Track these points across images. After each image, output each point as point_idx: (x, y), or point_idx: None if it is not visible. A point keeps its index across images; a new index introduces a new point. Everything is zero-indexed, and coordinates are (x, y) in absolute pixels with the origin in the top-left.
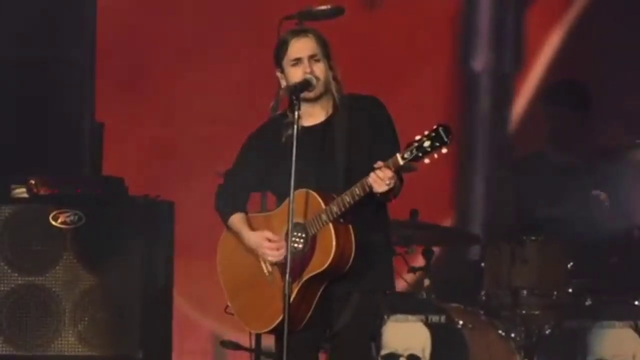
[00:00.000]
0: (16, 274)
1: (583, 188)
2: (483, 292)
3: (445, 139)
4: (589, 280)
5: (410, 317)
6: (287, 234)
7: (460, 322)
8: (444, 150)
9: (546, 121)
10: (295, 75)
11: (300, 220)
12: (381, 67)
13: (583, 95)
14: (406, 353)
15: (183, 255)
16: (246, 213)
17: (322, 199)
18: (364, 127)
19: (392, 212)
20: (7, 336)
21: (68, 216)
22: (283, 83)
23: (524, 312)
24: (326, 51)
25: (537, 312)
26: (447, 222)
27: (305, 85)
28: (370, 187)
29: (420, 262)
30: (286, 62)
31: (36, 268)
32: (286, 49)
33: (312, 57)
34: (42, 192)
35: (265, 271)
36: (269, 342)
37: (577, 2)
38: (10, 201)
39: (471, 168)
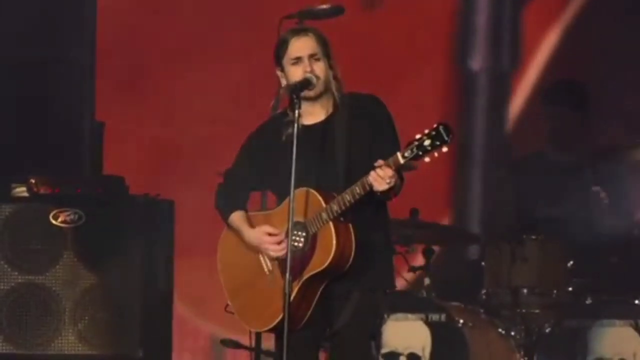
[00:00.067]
0: (16, 273)
1: (583, 188)
2: (483, 291)
3: (446, 138)
4: (589, 279)
5: (410, 315)
6: (287, 232)
7: (461, 321)
8: (445, 149)
9: (546, 121)
10: (296, 74)
11: (300, 219)
12: (380, 66)
13: (582, 95)
14: (406, 352)
15: (183, 254)
16: (246, 211)
17: (323, 197)
18: (364, 126)
19: (391, 212)
20: (7, 335)
21: (68, 215)
22: (283, 82)
23: (524, 310)
24: (326, 50)
25: (537, 311)
26: (445, 221)
27: (306, 84)
28: (371, 186)
29: (420, 261)
30: (286, 61)
31: (36, 267)
32: (286, 48)
33: (312, 56)
34: (42, 191)
35: (266, 270)
36: (269, 341)
37: (575, 0)
38: (11, 200)
39: (469, 167)
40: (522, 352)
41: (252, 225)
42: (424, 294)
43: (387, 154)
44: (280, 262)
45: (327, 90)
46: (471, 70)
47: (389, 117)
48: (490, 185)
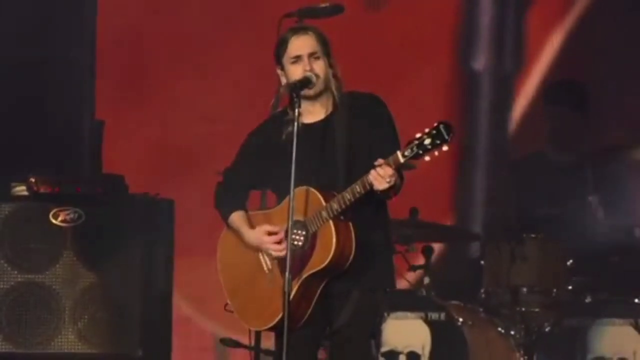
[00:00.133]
0: (16, 272)
1: (583, 188)
2: (483, 290)
3: (446, 137)
4: (589, 278)
5: (410, 314)
6: (287, 231)
7: (460, 320)
8: (445, 148)
9: (546, 121)
10: (295, 72)
11: (300, 217)
12: (381, 66)
13: (583, 95)
14: (406, 350)
15: (183, 253)
16: (246, 211)
17: (323, 196)
18: (364, 124)
19: (391, 211)
20: (7, 334)
21: (68, 214)
22: (283, 81)
23: (523, 309)
24: (326, 49)
25: (536, 310)
26: (447, 221)
27: (305, 82)
28: (371, 185)
29: (420, 260)
30: (286, 60)
31: (36, 266)
32: (286, 47)
33: (312, 55)
34: (42, 190)
35: (265, 269)
36: (269, 340)
37: (578, 2)
38: (11, 199)
39: (471, 167)
40: (521, 351)
41: (251, 224)
42: (424, 293)
43: (387, 152)
44: (280, 261)
45: (326, 89)
46: (474, 71)
47: (389, 116)
48: (492, 186)
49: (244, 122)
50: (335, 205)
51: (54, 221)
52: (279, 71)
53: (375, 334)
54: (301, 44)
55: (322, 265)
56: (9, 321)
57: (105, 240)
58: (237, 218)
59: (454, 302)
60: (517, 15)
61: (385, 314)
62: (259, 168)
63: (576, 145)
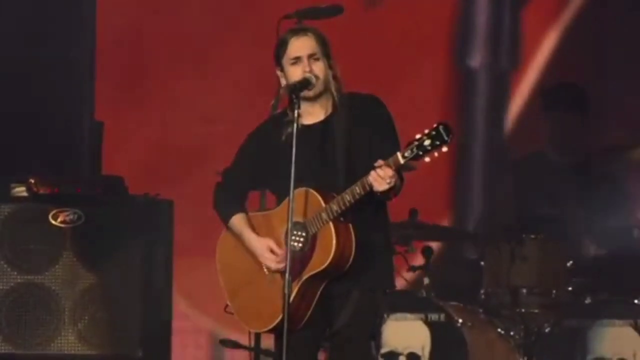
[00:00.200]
0: (15, 273)
1: (583, 188)
2: (482, 291)
3: (446, 138)
4: (588, 279)
5: (409, 315)
6: (287, 233)
7: (460, 321)
8: (445, 149)
9: (546, 124)
10: (295, 74)
11: (300, 219)
12: (379, 65)
13: (582, 98)
14: (406, 351)
15: (182, 254)
16: (246, 212)
17: (322, 197)
18: (363, 125)
19: (391, 212)
20: (7, 335)
21: (68, 215)
22: (283, 82)
23: (523, 310)
24: (326, 50)
25: (536, 311)
26: (445, 222)
27: (305, 84)
28: (371, 186)
29: (420, 261)
30: (286, 61)
31: (36, 267)
32: (286, 48)
33: (311, 56)
34: (41, 191)
35: (265, 270)
36: (268, 341)
37: (574, 0)
38: (10, 200)
39: (468, 167)
40: (521, 352)
41: (251, 226)
42: (424, 294)
43: (387, 153)
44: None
45: (326, 90)
46: (471, 70)
47: (388, 117)
48: (490, 185)
49: (243, 122)
50: (335, 207)
51: (53, 222)
52: (278, 72)
53: (375, 335)
54: (301, 45)
55: (322, 267)
56: (9, 322)
57: (105, 240)
58: (238, 222)
59: (453, 303)
60: (513, 13)
61: (385, 315)
62: (258, 169)
63: (577, 147)
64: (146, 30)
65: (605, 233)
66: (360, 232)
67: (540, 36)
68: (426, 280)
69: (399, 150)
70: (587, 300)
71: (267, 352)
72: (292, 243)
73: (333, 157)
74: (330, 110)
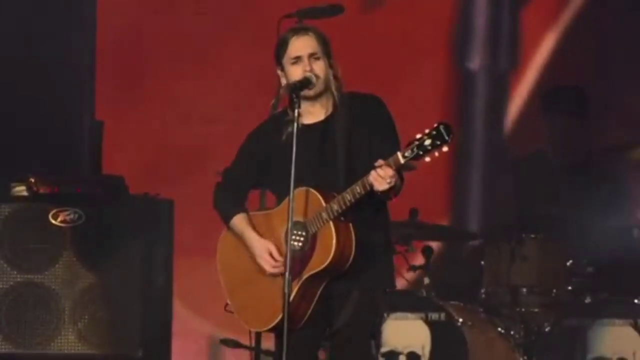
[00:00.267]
0: (15, 272)
1: (583, 188)
2: (482, 290)
3: (446, 137)
4: (588, 278)
5: (410, 314)
6: (287, 232)
7: (460, 320)
8: (445, 149)
9: (545, 126)
10: (295, 73)
11: (300, 218)
12: (378, 66)
13: (582, 100)
14: (406, 350)
15: (183, 254)
16: (247, 212)
17: (323, 197)
18: (364, 125)
19: (391, 212)
20: (7, 334)
21: (68, 215)
22: (283, 81)
23: (523, 310)
24: (326, 49)
25: (536, 310)
26: (445, 221)
27: (305, 83)
28: (371, 186)
29: (420, 260)
30: (286, 60)
31: (36, 266)
32: (286, 47)
33: (312, 55)
34: (41, 190)
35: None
36: (269, 340)
37: (573, 1)
38: (10, 199)
39: (468, 167)
40: (521, 351)
41: (252, 225)
42: (424, 293)
43: (387, 153)
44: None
45: (326, 89)
46: (470, 71)
47: (389, 117)
48: (490, 185)
49: (243, 122)
50: (335, 206)
51: (53, 221)
52: (279, 72)
53: (375, 334)
54: (301, 45)
55: (322, 266)
56: (9, 321)
57: (105, 240)
58: (239, 222)
59: (453, 302)
60: (512, 14)
61: (385, 315)
62: (258, 168)
63: (576, 148)
64: (146, 30)
65: (605, 233)
66: (361, 232)
67: (540, 37)
68: (426, 280)
69: (399, 150)
70: (587, 300)
71: (267, 352)
72: (292, 242)
73: (333, 156)
74: (330, 109)
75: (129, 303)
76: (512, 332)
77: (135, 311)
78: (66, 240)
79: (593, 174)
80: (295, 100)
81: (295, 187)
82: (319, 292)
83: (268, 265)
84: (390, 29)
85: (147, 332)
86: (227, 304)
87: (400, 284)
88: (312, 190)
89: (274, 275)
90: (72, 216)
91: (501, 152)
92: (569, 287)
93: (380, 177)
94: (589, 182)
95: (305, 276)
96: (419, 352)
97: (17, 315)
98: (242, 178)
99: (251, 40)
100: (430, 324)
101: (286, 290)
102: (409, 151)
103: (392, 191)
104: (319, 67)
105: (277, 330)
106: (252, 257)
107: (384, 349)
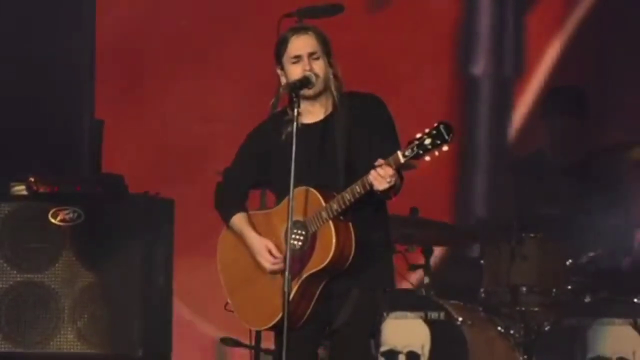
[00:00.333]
0: (15, 272)
1: (583, 188)
2: (482, 289)
3: (446, 137)
4: (588, 278)
5: (409, 314)
6: (287, 231)
7: (460, 319)
8: (445, 148)
9: (545, 127)
10: (295, 72)
11: (300, 217)
12: (382, 69)
13: (581, 100)
14: (405, 350)
15: (183, 253)
16: (247, 211)
17: (322, 196)
18: (363, 125)
19: (391, 211)
20: (6, 333)
21: (67, 214)
22: (283, 80)
23: (523, 309)
24: (326, 49)
25: (536, 309)
26: (447, 221)
27: (305, 82)
28: (371, 185)
29: (420, 259)
30: (286, 60)
31: (35, 265)
32: (286, 46)
33: (311, 55)
34: (41, 189)
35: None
36: (269, 339)
37: (578, 7)
38: (10, 199)
39: (471, 168)
40: (521, 351)
41: (252, 224)
42: (423, 292)
43: (387, 153)
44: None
45: (326, 89)
46: (474, 76)
47: (389, 116)
48: (492, 186)
49: (244, 122)
50: (335, 206)
51: (53, 221)
52: (278, 71)
53: (375, 333)
54: (301, 44)
55: (322, 266)
56: (8, 321)
57: (105, 240)
58: (238, 220)
59: (453, 301)
60: (516, 19)
61: (385, 314)
62: (258, 168)
63: (577, 149)
64: (146, 30)
65: (605, 233)
66: (360, 231)
67: (544, 42)
68: (426, 279)
69: (398, 149)
70: (587, 299)
71: (267, 351)
72: (292, 242)
73: (333, 156)
74: (330, 109)
75: (129, 303)
76: (511, 332)
77: (135, 311)
78: (66, 239)
79: (593, 174)
80: (294, 99)
81: (295, 186)
82: (318, 291)
83: (267, 262)
84: (393, 33)
85: (147, 332)
86: (227, 303)
87: (400, 283)
88: (311, 189)
89: (273, 274)
90: (71, 215)
91: (504, 156)
92: (569, 287)
93: (380, 177)
94: (589, 182)
95: (304, 275)
96: (419, 351)
97: (17, 315)
98: (243, 178)
99: (251, 40)
100: (429, 323)
101: (286, 289)
102: (409, 150)
103: (392, 190)
104: (319, 66)
105: (276, 329)
106: (252, 256)
107: (383, 348)
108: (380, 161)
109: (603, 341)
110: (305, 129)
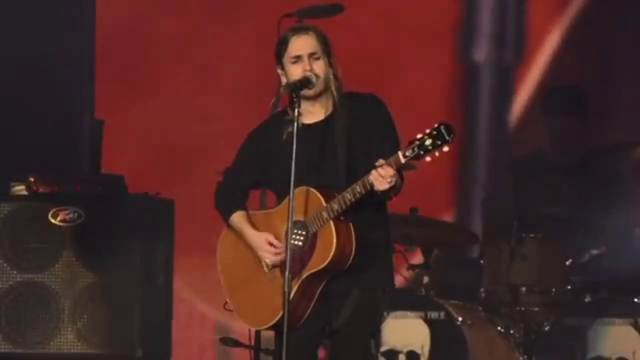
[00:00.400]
0: (15, 272)
1: (583, 188)
2: (482, 289)
3: (447, 137)
4: (588, 278)
5: (409, 313)
6: (287, 231)
7: (460, 319)
8: (446, 149)
9: (545, 127)
10: (295, 72)
11: (300, 217)
12: (383, 58)
13: (581, 100)
14: (405, 349)
15: (183, 253)
16: (247, 211)
17: (323, 196)
18: (363, 125)
19: (391, 210)
20: (6, 334)
21: (67, 214)
22: (283, 80)
23: (523, 309)
24: (326, 49)
25: (536, 309)
26: (447, 220)
27: (305, 82)
28: (372, 185)
29: (419, 259)
30: (286, 60)
31: (35, 266)
32: (286, 47)
33: (312, 55)
34: (41, 189)
35: (265, 268)
36: (269, 339)
37: None
38: (10, 199)
39: (471, 165)
40: (521, 351)
41: (252, 224)
42: (423, 292)
43: (387, 153)
44: (280, 262)
45: (326, 89)
46: (475, 64)
47: (389, 117)
48: (492, 184)
49: (244, 122)
50: (335, 206)
51: (53, 221)
52: (279, 71)
53: (375, 333)
54: (301, 44)
55: (322, 266)
56: (8, 321)
57: (105, 240)
58: (238, 218)
59: (453, 301)
60: (518, 6)
61: (385, 313)
62: (259, 168)
63: (576, 148)
64: (146, 30)
65: (605, 233)
66: (361, 231)
67: (545, 30)
68: (426, 279)
69: (398, 149)
70: (587, 299)
71: (267, 350)
72: (292, 241)
73: (333, 156)
74: (330, 109)
75: (129, 303)
76: (511, 331)
77: (135, 311)
78: (66, 239)
79: (593, 174)
80: (295, 99)
81: (296, 186)
82: (318, 291)
83: (269, 254)
84: (395, 22)
85: (147, 332)
86: (226, 303)
87: (400, 282)
88: (312, 189)
89: (274, 273)
90: (71, 215)
91: (506, 146)
92: (569, 287)
93: (381, 177)
94: (589, 182)
95: (305, 275)
96: (419, 351)
97: (17, 315)
98: (243, 178)
99: (251, 40)
100: (429, 322)
101: (286, 289)
102: (410, 151)
103: (393, 190)
104: (319, 66)
105: (276, 328)
106: (253, 256)
107: (383, 348)
108: (381, 161)
109: (603, 341)
110: (305, 129)
